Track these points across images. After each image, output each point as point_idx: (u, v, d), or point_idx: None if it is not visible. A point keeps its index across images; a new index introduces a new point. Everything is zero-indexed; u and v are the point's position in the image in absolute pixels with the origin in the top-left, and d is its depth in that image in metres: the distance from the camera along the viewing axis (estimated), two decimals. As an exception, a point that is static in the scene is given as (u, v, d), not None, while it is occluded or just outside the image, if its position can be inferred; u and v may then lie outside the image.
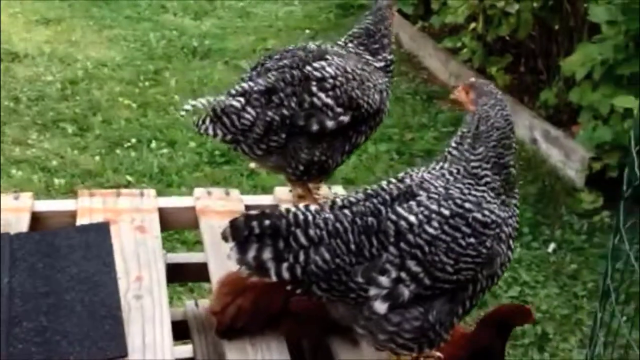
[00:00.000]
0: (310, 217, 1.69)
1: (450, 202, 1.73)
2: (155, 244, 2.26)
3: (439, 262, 1.69)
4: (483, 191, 1.77)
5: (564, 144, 4.84)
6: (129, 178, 4.63)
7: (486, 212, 1.74)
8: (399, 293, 1.69)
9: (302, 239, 1.67)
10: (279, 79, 2.31)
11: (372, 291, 1.69)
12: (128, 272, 2.12)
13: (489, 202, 1.76)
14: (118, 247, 2.21)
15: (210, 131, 2.27)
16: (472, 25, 5.49)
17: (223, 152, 4.85)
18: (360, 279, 1.69)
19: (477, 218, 1.72)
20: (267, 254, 1.66)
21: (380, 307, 1.69)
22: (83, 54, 6.39)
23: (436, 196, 1.74)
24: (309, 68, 2.32)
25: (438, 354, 1.91)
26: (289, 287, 1.71)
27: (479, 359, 2.00)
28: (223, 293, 2.00)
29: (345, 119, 2.34)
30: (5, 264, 2.07)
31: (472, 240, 1.70)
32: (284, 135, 2.33)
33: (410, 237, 1.69)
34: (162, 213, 2.43)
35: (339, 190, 2.65)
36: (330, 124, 2.32)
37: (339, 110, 2.32)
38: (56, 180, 4.55)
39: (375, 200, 1.73)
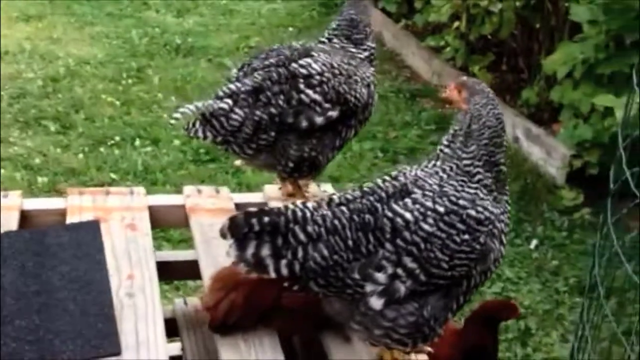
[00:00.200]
0: (308, 214, 1.71)
1: (444, 199, 1.76)
2: (146, 241, 2.26)
3: (434, 259, 1.72)
4: (476, 188, 1.80)
5: (545, 142, 4.90)
6: (113, 176, 4.61)
7: (480, 209, 1.77)
8: (395, 289, 1.71)
9: (301, 236, 1.69)
10: (265, 78, 2.33)
11: (369, 287, 1.71)
12: (119, 270, 2.12)
13: (482, 199, 1.79)
14: (109, 245, 2.21)
15: (200, 134, 2.28)
16: (456, 24, 5.54)
17: (207, 150, 4.84)
18: (356, 276, 1.71)
19: (471, 215, 1.75)
20: (265, 251, 1.68)
21: (376, 303, 1.71)
22: (64, 51, 6.34)
23: (431, 193, 1.76)
24: (295, 65, 2.34)
25: (428, 348, 1.94)
26: (286, 284, 1.73)
27: (473, 356, 2.04)
28: (216, 288, 2.01)
29: (333, 114, 2.36)
30: (-5, 262, 2.06)
31: (466, 236, 1.73)
32: (273, 134, 2.34)
33: (406, 234, 1.71)
34: (152, 211, 2.43)
35: (328, 188, 2.67)
36: (319, 120, 2.35)
37: (327, 105, 2.35)
38: (39, 179, 4.51)
39: (371, 198, 1.75)
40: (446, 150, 1.85)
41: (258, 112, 2.31)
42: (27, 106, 5.35)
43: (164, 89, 5.72)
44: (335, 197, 1.79)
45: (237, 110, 2.29)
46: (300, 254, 1.69)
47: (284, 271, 1.69)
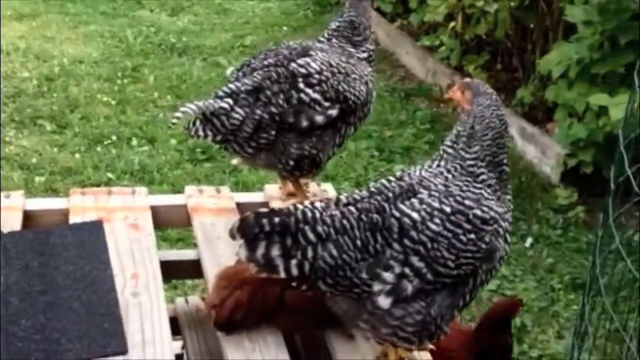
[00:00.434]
0: (318, 214, 1.73)
1: (450, 199, 1.78)
2: (149, 241, 2.28)
3: (441, 258, 1.74)
4: (480, 188, 1.83)
5: (539, 140, 4.94)
6: (109, 175, 4.61)
7: (485, 209, 1.80)
8: (402, 288, 1.74)
9: (311, 235, 1.71)
10: (264, 77, 2.35)
11: (376, 286, 1.74)
12: (124, 269, 2.14)
13: (487, 198, 1.82)
14: (112, 245, 2.22)
15: (201, 133, 2.29)
16: (452, 24, 5.57)
17: (204, 149, 4.85)
18: (364, 275, 1.73)
19: (477, 214, 1.78)
20: (275, 251, 1.69)
21: (384, 302, 1.74)
22: (59, 50, 6.32)
23: (437, 194, 1.79)
24: (294, 65, 2.36)
25: (431, 346, 1.96)
26: (294, 283, 1.75)
27: (490, 355, 2.08)
28: (221, 286, 2.03)
29: (333, 112, 2.38)
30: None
31: (472, 236, 1.76)
32: (273, 132, 2.36)
33: (413, 233, 1.74)
34: (154, 211, 2.45)
35: (328, 187, 2.69)
36: (319, 118, 2.37)
37: (326, 104, 2.37)
38: (36, 178, 4.51)
39: (379, 198, 1.78)
40: (450, 150, 1.88)
41: (258, 112, 2.33)
42: (23, 105, 5.34)
43: (159, 88, 5.72)
44: (343, 197, 1.81)
45: (237, 109, 2.31)
46: (310, 253, 1.71)
47: (294, 271, 1.71)
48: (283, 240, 1.70)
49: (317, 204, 1.76)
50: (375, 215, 1.75)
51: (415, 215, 1.75)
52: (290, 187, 2.60)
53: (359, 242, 1.73)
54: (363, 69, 2.47)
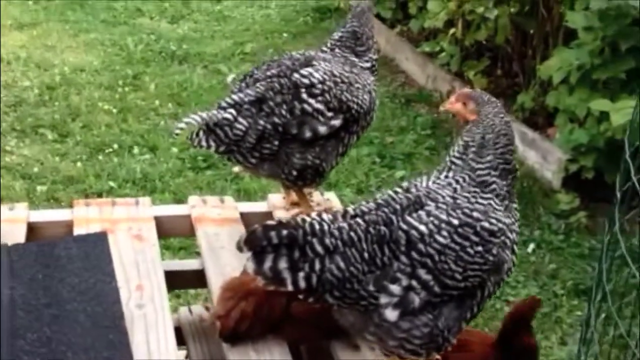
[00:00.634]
0: (325, 227, 1.73)
1: (458, 211, 1.78)
2: (153, 252, 2.28)
3: (448, 270, 1.74)
4: (489, 199, 1.83)
5: (540, 146, 4.95)
6: (111, 184, 4.61)
7: (493, 221, 1.80)
8: (409, 301, 1.74)
9: (319, 248, 1.70)
10: (268, 88, 2.36)
11: (383, 299, 1.73)
12: (128, 281, 2.14)
13: (495, 210, 1.82)
14: (117, 256, 2.22)
15: (204, 143, 2.30)
16: (452, 30, 5.58)
17: (205, 158, 4.85)
18: (371, 288, 1.73)
19: (485, 227, 1.78)
20: (283, 264, 1.69)
21: (391, 314, 1.74)
22: (60, 58, 6.33)
23: (444, 206, 1.79)
24: (296, 75, 2.37)
25: (438, 356, 1.96)
26: (302, 296, 1.74)
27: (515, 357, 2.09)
28: (226, 297, 2.03)
29: (337, 122, 2.39)
30: (5, 275, 2.07)
31: (479, 248, 1.76)
32: (276, 143, 2.36)
33: (421, 246, 1.74)
34: (158, 221, 2.45)
35: (331, 196, 2.70)
36: (322, 129, 2.37)
37: (330, 114, 2.37)
38: (38, 187, 4.51)
39: (386, 210, 1.78)
40: (458, 162, 1.88)
41: (261, 122, 2.33)
42: (24, 114, 5.35)
43: (160, 96, 5.72)
44: (350, 209, 1.81)
45: (240, 119, 2.31)
46: (317, 266, 1.70)
47: (302, 284, 1.70)
48: (291, 253, 1.69)
49: (325, 216, 1.76)
50: (382, 228, 1.74)
51: (422, 227, 1.75)
52: (294, 196, 2.60)
53: (366, 255, 1.73)
54: (366, 78, 2.47)
